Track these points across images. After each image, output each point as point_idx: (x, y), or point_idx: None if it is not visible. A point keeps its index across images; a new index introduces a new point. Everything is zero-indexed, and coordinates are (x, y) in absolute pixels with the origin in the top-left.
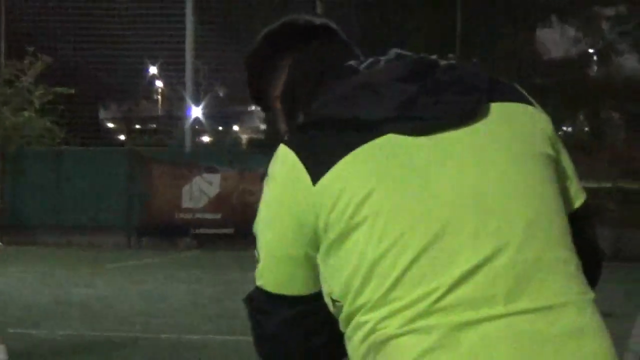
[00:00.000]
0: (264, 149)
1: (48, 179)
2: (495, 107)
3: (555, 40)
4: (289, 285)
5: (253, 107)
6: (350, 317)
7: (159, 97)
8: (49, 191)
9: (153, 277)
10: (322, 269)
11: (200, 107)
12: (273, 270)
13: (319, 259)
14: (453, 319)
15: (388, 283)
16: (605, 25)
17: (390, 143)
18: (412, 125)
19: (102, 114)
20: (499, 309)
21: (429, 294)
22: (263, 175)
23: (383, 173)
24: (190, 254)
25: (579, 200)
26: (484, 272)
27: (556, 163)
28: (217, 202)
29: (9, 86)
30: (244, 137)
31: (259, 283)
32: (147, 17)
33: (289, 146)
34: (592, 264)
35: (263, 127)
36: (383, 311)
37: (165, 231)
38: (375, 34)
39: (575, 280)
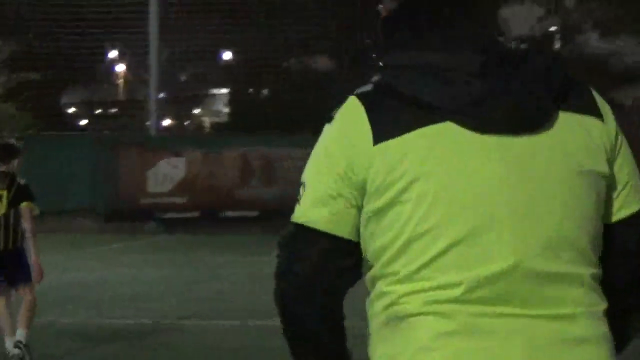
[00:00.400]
0: (229, 131)
1: None
2: (560, 117)
3: (519, 18)
4: (332, 223)
5: (216, 90)
6: (375, 280)
7: (121, 81)
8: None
9: (123, 262)
10: (361, 227)
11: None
12: (319, 207)
13: (363, 216)
14: (473, 310)
15: (419, 262)
16: (569, 4)
17: (451, 131)
18: (475, 122)
19: (64, 99)
20: (517, 310)
21: (455, 284)
22: (329, 118)
23: (439, 159)
24: (157, 238)
25: (627, 210)
26: (507, 277)
27: (606, 178)
28: (183, 186)
29: None
30: (207, 120)
31: (300, 220)
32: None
33: (360, 100)
34: (624, 268)
35: (226, 110)
36: (408, 287)
37: (132, 215)
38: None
39: (590, 292)
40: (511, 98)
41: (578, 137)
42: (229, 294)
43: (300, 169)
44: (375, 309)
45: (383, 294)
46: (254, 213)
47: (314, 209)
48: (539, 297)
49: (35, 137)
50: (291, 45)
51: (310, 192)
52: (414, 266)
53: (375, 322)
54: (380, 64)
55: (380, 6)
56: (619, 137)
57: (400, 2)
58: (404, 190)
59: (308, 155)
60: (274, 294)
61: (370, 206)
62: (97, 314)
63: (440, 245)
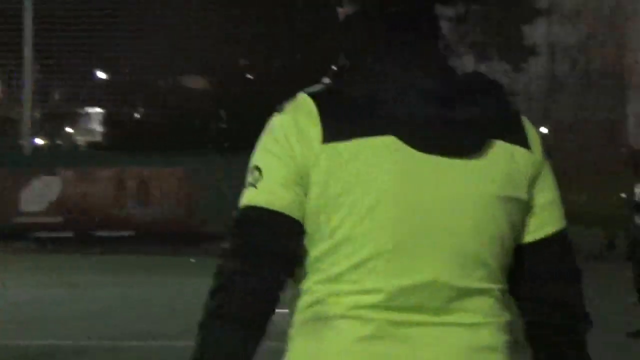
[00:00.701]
0: (103, 151)
1: None
2: (492, 146)
3: None
4: (291, 206)
5: (89, 110)
6: (303, 275)
7: None
8: None
9: None
10: (305, 216)
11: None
12: (281, 190)
13: (309, 206)
14: (392, 317)
15: (347, 264)
16: (444, 26)
17: (393, 146)
18: (416, 141)
19: None
20: (431, 319)
21: (377, 290)
22: (279, 108)
23: (377, 169)
24: (29, 257)
25: (540, 232)
26: (425, 289)
27: (524, 204)
28: (57, 205)
29: None
30: (81, 139)
31: (260, 203)
32: None
33: (311, 98)
34: (536, 286)
35: (100, 129)
36: (335, 287)
37: (4, 235)
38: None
39: (496, 304)
40: (454, 126)
41: (503, 165)
42: (99, 315)
43: (175, 189)
44: (301, 304)
45: (308, 291)
46: (129, 233)
47: (275, 192)
48: (452, 307)
49: None
50: (164, 65)
51: (268, 176)
52: (341, 268)
53: (300, 317)
54: (334, 67)
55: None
56: (544, 165)
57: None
58: (342, 194)
59: (184, 174)
60: (217, 272)
61: (310, 201)
62: None
63: (368, 251)
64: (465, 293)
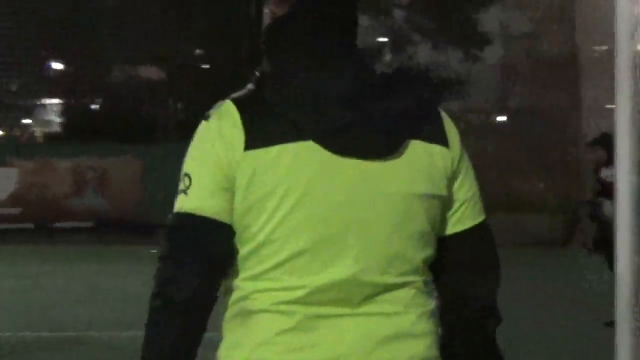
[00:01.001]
0: (62, 141)
1: None
2: (410, 146)
3: None
4: (222, 212)
5: (46, 101)
6: (235, 269)
7: None
8: None
9: None
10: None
11: None
12: (209, 197)
13: (235, 209)
14: (311, 311)
15: (269, 264)
16: (397, 15)
17: (313, 151)
18: (335, 146)
19: None
20: (352, 310)
21: (298, 287)
22: (206, 116)
23: (298, 174)
24: None
25: (461, 225)
26: (345, 285)
27: (444, 199)
28: (15, 197)
29: None
30: (38, 131)
31: (190, 210)
32: None
33: (235, 105)
34: (457, 277)
35: (59, 120)
36: (259, 284)
37: None
38: None
39: (419, 295)
40: (370, 128)
41: (422, 164)
42: (58, 306)
43: (133, 180)
44: (228, 301)
45: (237, 287)
46: (89, 224)
47: (204, 198)
48: (372, 300)
49: None
50: (116, 56)
51: (197, 183)
52: (264, 267)
53: (227, 313)
54: (256, 72)
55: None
56: (462, 161)
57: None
58: (263, 198)
59: (142, 165)
60: (155, 276)
61: (236, 205)
62: None
63: (289, 251)
64: (385, 287)
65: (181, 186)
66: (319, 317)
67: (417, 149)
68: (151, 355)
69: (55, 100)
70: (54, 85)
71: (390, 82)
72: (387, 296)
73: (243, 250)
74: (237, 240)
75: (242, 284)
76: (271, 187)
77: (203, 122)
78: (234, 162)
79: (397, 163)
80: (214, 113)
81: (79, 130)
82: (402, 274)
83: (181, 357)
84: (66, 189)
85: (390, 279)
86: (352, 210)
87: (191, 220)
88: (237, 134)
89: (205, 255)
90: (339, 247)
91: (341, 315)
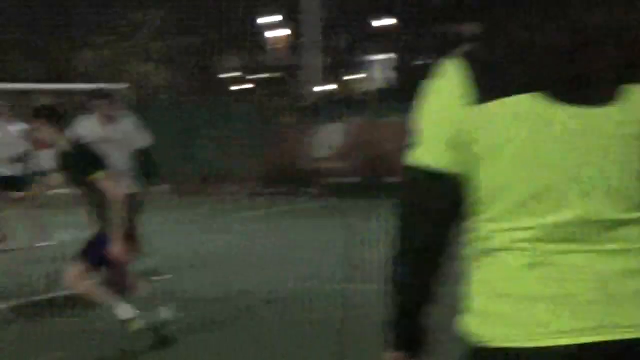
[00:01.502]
0: (392, 98)
1: (174, 130)
2: (629, 90)
3: None
4: (443, 161)
5: (375, 57)
6: (470, 212)
7: (280, 46)
8: (170, 144)
9: (285, 226)
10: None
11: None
12: (445, 150)
13: (466, 161)
14: (548, 248)
15: (503, 207)
16: None
17: (537, 101)
18: (558, 95)
19: (218, 64)
20: (584, 247)
21: (531, 227)
22: (433, 72)
23: (525, 124)
24: (317, 203)
25: None
26: (575, 224)
27: None
28: (344, 152)
29: (126, 40)
30: (369, 86)
31: (418, 162)
32: None
33: (462, 61)
34: None
35: (387, 77)
36: (495, 225)
37: (290, 180)
38: None
39: None
40: (589, 77)
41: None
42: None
43: None
44: (469, 239)
45: (475, 228)
46: None
47: (436, 151)
48: (601, 238)
49: (196, 102)
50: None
51: (429, 137)
52: (499, 209)
53: (469, 250)
54: (471, 35)
55: None
56: None
57: None
58: (492, 148)
59: None
60: (395, 225)
61: (467, 156)
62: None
63: (520, 195)
64: (613, 224)
65: (413, 140)
66: (552, 253)
67: (635, 93)
68: (394, 292)
69: (387, 55)
70: (377, 40)
71: (600, 32)
72: (615, 234)
73: (478, 196)
74: (471, 187)
75: (478, 225)
76: (502, 138)
77: (433, 79)
78: (463, 116)
79: (617, 108)
80: (442, 69)
81: (409, 86)
82: (627, 210)
83: (421, 292)
84: (395, 146)
85: (617, 215)
86: (581, 153)
87: (424, 172)
88: (465, 89)
89: (438, 204)
90: (570, 188)
91: (572, 252)
